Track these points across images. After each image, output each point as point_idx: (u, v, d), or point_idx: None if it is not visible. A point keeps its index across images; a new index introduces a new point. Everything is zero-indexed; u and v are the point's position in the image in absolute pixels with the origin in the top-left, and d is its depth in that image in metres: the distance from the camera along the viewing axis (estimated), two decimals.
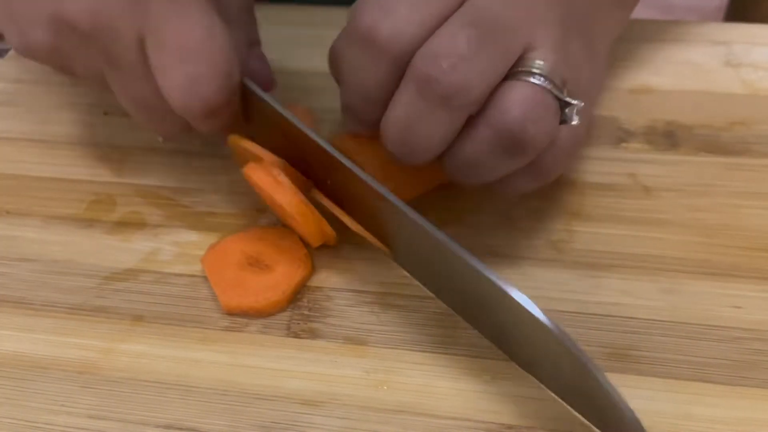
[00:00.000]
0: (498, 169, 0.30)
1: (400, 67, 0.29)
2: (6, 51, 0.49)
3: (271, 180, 0.32)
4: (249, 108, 0.34)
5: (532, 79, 0.29)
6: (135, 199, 0.38)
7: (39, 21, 0.32)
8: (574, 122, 0.30)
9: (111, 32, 0.30)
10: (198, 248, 0.35)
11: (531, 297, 0.33)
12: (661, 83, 0.45)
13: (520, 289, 0.33)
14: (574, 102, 0.30)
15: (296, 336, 0.32)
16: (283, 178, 0.32)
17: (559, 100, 0.29)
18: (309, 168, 0.33)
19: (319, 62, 0.42)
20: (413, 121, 0.29)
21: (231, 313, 0.33)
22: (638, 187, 0.38)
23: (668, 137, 0.41)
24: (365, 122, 0.32)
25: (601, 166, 0.39)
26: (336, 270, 0.34)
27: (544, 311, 0.26)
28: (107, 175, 0.40)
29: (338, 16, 0.51)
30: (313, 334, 0.32)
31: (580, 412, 0.28)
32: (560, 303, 0.32)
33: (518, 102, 0.28)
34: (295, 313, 0.33)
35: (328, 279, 0.34)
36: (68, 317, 0.33)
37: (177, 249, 0.35)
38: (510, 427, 0.28)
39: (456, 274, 0.29)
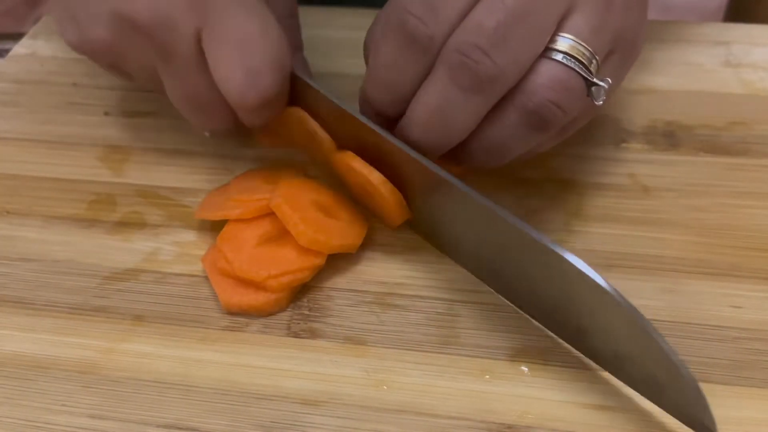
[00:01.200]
0: (522, 149, 0.31)
1: (432, 56, 0.29)
2: (6, 51, 0.50)
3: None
4: (295, 100, 0.35)
5: (560, 59, 0.29)
6: (135, 199, 0.38)
7: (99, 18, 0.33)
8: (599, 102, 0.30)
9: (169, 26, 0.31)
10: (198, 248, 0.35)
11: None
12: (661, 83, 0.45)
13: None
14: (601, 83, 0.30)
15: (296, 336, 0.32)
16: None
17: (587, 79, 0.29)
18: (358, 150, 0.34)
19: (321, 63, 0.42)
20: (445, 108, 0.29)
21: (231, 312, 0.33)
22: (638, 187, 0.38)
23: (668, 137, 0.41)
24: (384, 116, 0.32)
25: (601, 166, 0.39)
26: (336, 270, 0.34)
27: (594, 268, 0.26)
28: (107, 175, 0.40)
29: (338, 16, 0.51)
30: (314, 334, 0.32)
31: (632, 385, 0.28)
32: None
33: (545, 85, 0.29)
34: (295, 312, 0.33)
35: (328, 279, 0.34)
36: (69, 317, 0.33)
37: (177, 249, 0.36)
38: (510, 426, 0.28)
39: (494, 233, 0.30)
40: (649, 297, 0.33)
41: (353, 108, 0.33)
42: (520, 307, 0.32)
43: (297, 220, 0.32)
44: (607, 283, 0.26)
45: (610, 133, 0.41)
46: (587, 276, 0.26)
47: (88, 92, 0.46)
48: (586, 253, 0.35)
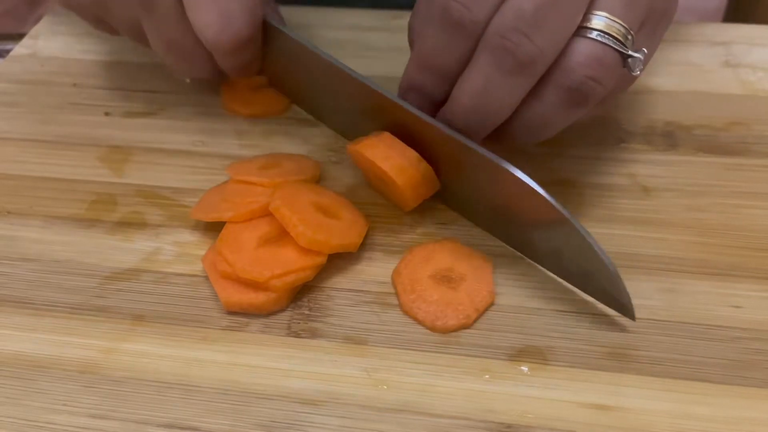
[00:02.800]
0: (563, 124, 0.32)
1: (475, 40, 0.30)
2: (7, 51, 0.50)
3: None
4: (268, 46, 0.39)
5: (595, 36, 0.30)
6: (136, 199, 0.38)
7: None
8: (636, 73, 0.32)
9: None
10: (198, 248, 0.35)
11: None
12: (661, 84, 0.45)
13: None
14: (637, 55, 0.31)
15: (297, 335, 0.32)
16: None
17: (622, 52, 0.31)
18: (330, 94, 0.37)
19: None
20: (488, 90, 0.30)
21: (231, 311, 0.33)
22: (637, 187, 0.38)
23: (667, 137, 0.41)
24: (430, 99, 0.33)
25: (600, 166, 0.39)
26: (336, 269, 0.34)
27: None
28: (108, 175, 0.40)
29: (338, 16, 0.51)
30: (314, 334, 0.32)
31: (567, 278, 0.33)
32: (559, 303, 0.33)
33: (583, 62, 0.30)
34: (295, 312, 0.33)
35: (328, 278, 0.34)
36: (69, 317, 0.33)
37: (178, 249, 0.36)
38: (510, 426, 0.29)
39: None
40: (648, 297, 0.33)
41: (327, 53, 0.36)
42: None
43: (296, 222, 0.32)
44: (546, 192, 0.30)
45: (610, 134, 0.41)
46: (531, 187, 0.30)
47: (89, 92, 0.46)
48: None
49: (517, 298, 0.33)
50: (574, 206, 0.37)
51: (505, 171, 0.31)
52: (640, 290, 0.33)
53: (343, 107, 0.38)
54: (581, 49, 0.30)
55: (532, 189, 0.30)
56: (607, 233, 0.36)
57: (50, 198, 0.38)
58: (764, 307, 0.32)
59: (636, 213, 0.37)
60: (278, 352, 0.31)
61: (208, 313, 0.33)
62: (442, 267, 0.33)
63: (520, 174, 0.30)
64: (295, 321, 0.32)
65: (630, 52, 0.31)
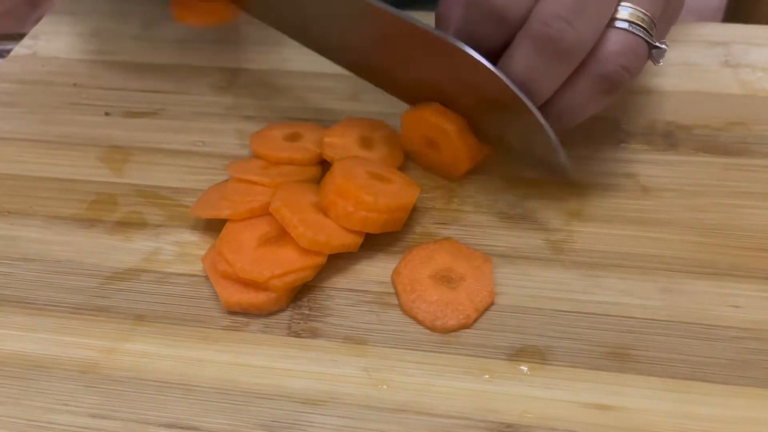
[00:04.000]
0: (591, 111, 0.33)
1: (516, 28, 0.31)
2: (7, 51, 0.50)
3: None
4: None
5: (627, 27, 0.31)
6: (136, 199, 0.38)
7: None
8: (660, 63, 0.33)
9: None
10: (199, 248, 0.35)
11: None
12: (660, 84, 0.45)
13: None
14: (662, 46, 0.33)
15: (297, 335, 0.32)
16: None
17: (648, 43, 0.32)
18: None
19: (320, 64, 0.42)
20: (529, 77, 0.31)
21: (231, 310, 0.33)
22: (637, 187, 0.38)
23: (667, 137, 0.41)
24: None
25: (600, 166, 0.39)
26: (336, 269, 0.34)
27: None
28: (108, 175, 0.40)
29: None
30: (314, 334, 0.32)
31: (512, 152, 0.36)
32: (559, 303, 0.33)
33: (616, 52, 0.31)
34: (295, 312, 0.33)
35: (328, 278, 0.34)
36: (70, 317, 0.33)
37: (178, 249, 0.36)
38: (510, 426, 0.29)
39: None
40: (647, 296, 0.33)
41: None
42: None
43: (296, 223, 0.32)
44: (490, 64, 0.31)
45: (610, 134, 0.41)
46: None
47: (89, 92, 0.46)
48: (586, 253, 0.35)
49: (517, 298, 0.33)
50: (574, 206, 0.37)
51: (454, 47, 0.31)
52: (640, 290, 0.33)
53: (314, 14, 0.38)
54: (614, 39, 0.31)
55: (483, 65, 0.31)
56: (607, 233, 0.36)
57: (50, 198, 0.39)
58: (764, 307, 0.32)
59: (636, 213, 0.37)
60: (278, 352, 0.31)
61: (209, 313, 0.33)
62: (441, 267, 0.34)
63: (468, 50, 0.31)
64: (295, 321, 0.32)
65: (656, 43, 0.32)
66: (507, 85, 0.31)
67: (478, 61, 0.31)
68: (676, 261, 0.34)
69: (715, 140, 0.41)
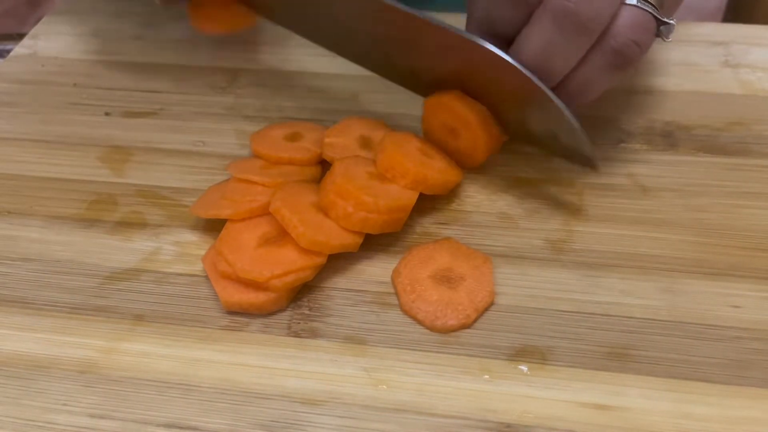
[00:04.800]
0: (602, 88, 0.34)
1: (534, 6, 0.32)
2: (7, 51, 0.50)
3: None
4: None
5: (636, 2, 0.32)
6: (136, 199, 0.38)
7: None
8: (669, 40, 0.34)
9: None
10: (198, 248, 0.35)
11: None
12: (660, 84, 0.45)
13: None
14: (671, 21, 0.34)
15: (296, 335, 0.32)
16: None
17: (657, 19, 0.33)
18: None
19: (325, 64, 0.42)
20: (548, 51, 0.32)
21: (231, 310, 0.33)
22: (637, 187, 0.38)
23: (667, 137, 0.41)
24: None
25: (600, 166, 0.39)
26: (336, 269, 0.34)
27: None
28: (108, 175, 0.40)
29: None
30: (314, 334, 0.32)
31: (535, 143, 0.37)
32: (559, 303, 0.33)
33: (628, 27, 0.32)
34: (295, 312, 0.33)
35: (328, 278, 0.34)
36: (69, 317, 0.33)
37: (178, 249, 0.36)
38: (509, 426, 0.29)
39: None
40: (648, 297, 0.33)
41: None
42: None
43: (296, 223, 0.32)
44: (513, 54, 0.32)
45: (609, 133, 0.41)
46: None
47: (89, 92, 0.46)
48: (586, 253, 0.35)
49: (517, 298, 0.33)
50: (574, 206, 0.37)
51: (478, 46, 0.32)
52: (640, 290, 0.33)
53: (331, 17, 0.39)
54: (626, 14, 0.32)
55: (504, 60, 0.32)
56: (607, 233, 0.36)
57: (50, 198, 0.39)
58: (764, 307, 0.32)
59: (635, 213, 0.37)
60: (278, 352, 0.31)
61: (208, 313, 0.33)
62: (441, 267, 0.34)
63: (490, 47, 0.32)
64: (295, 321, 0.32)
65: (664, 19, 0.33)
66: (527, 76, 0.32)
67: (496, 54, 0.32)
68: (676, 261, 0.34)
69: (715, 140, 0.41)
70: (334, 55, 0.43)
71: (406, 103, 0.40)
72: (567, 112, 0.33)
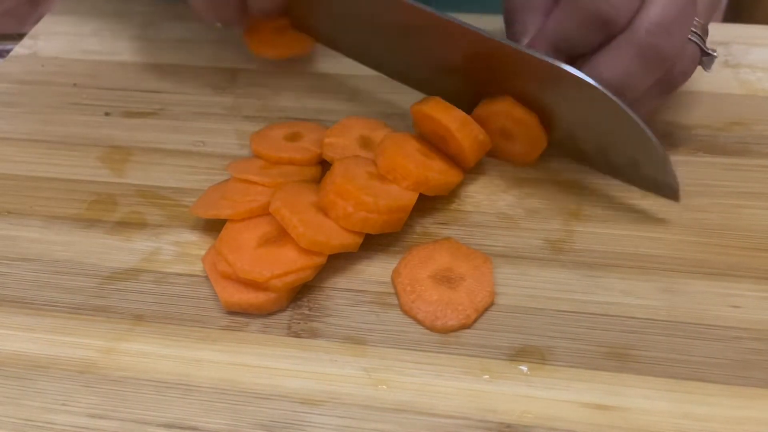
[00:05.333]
0: (647, 109, 0.36)
1: (615, 33, 0.33)
2: (7, 51, 0.50)
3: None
4: None
5: (694, 38, 0.35)
6: (136, 199, 0.38)
7: None
8: (709, 71, 0.37)
9: None
10: (198, 248, 0.35)
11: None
12: None
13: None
14: (714, 54, 0.36)
15: (296, 335, 0.32)
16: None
17: (702, 49, 0.36)
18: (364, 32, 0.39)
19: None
20: (625, 80, 0.33)
21: (231, 310, 0.33)
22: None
23: (667, 137, 0.41)
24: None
25: None
26: (336, 269, 0.34)
27: None
28: (108, 175, 0.40)
29: None
30: (314, 334, 0.32)
31: (614, 173, 0.36)
32: (559, 303, 0.33)
33: (689, 60, 0.35)
34: (295, 312, 0.33)
35: (328, 278, 0.34)
36: (69, 317, 0.33)
37: (177, 249, 0.36)
38: (509, 426, 0.29)
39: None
40: (648, 297, 0.33)
41: None
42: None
43: (296, 223, 0.32)
44: (589, 77, 0.32)
45: None
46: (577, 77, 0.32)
47: (89, 92, 0.46)
48: (586, 253, 0.35)
49: (517, 298, 0.33)
50: (574, 206, 0.37)
51: (559, 69, 0.33)
52: (639, 290, 0.33)
53: (382, 37, 0.39)
54: (690, 49, 0.35)
55: (588, 83, 0.32)
56: (607, 233, 0.36)
57: (50, 198, 0.39)
58: (763, 307, 0.32)
59: (636, 213, 0.37)
60: (278, 352, 0.31)
61: (208, 313, 0.33)
62: (441, 267, 0.34)
63: (574, 71, 0.32)
64: (295, 321, 0.32)
65: (708, 51, 0.36)
66: (623, 109, 0.32)
67: (591, 85, 0.32)
68: (675, 261, 0.34)
69: (714, 140, 0.41)
70: (335, 54, 0.43)
71: (406, 103, 0.40)
72: (655, 141, 0.33)
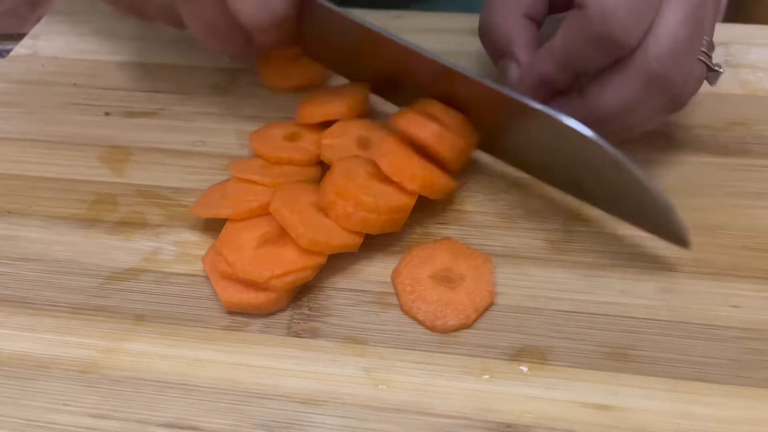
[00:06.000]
0: (651, 127, 0.36)
1: (622, 56, 0.33)
2: (7, 51, 0.50)
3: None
4: (305, 19, 0.39)
5: (702, 57, 0.35)
6: (136, 199, 0.38)
7: None
8: (713, 85, 0.37)
9: None
10: (199, 248, 0.35)
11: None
12: None
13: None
14: (719, 70, 0.36)
15: (297, 335, 0.32)
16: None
17: (708, 66, 0.35)
18: (371, 62, 0.39)
19: None
20: (631, 106, 0.33)
21: (231, 310, 0.33)
22: None
23: (668, 137, 0.41)
24: (553, 90, 0.35)
25: None
26: (336, 269, 0.34)
27: None
28: (108, 175, 0.40)
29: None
30: (314, 334, 0.32)
31: (623, 216, 0.35)
32: (559, 302, 0.33)
33: (695, 82, 0.35)
34: (295, 312, 0.33)
35: (328, 278, 0.34)
36: (70, 317, 0.33)
37: (178, 249, 0.36)
38: (509, 426, 0.29)
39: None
40: (648, 297, 0.33)
41: (375, 25, 0.36)
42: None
43: (296, 223, 0.32)
44: (594, 134, 0.31)
45: None
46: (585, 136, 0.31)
47: (89, 92, 0.46)
48: (586, 253, 0.35)
49: (517, 298, 0.33)
50: (574, 206, 0.37)
51: (561, 123, 0.32)
52: (639, 290, 0.33)
53: (385, 72, 0.39)
54: (697, 71, 0.35)
55: (588, 137, 0.31)
56: (607, 233, 0.36)
57: (50, 198, 0.39)
58: (764, 307, 0.32)
59: None
60: (278, 352, 0.31)
61: (209, 313, 0.33)
62: (441, 267, 0.34)
63: (575, 124, 0.32)
64: (295, 321, 0.32)
65: (714, 67, 0.35)
66: (630, 168, 0.32)
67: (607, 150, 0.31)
68: (675, 261, 0.34)
69: (714, 140, 0.41)
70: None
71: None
72: (664, 197, 0.32)
